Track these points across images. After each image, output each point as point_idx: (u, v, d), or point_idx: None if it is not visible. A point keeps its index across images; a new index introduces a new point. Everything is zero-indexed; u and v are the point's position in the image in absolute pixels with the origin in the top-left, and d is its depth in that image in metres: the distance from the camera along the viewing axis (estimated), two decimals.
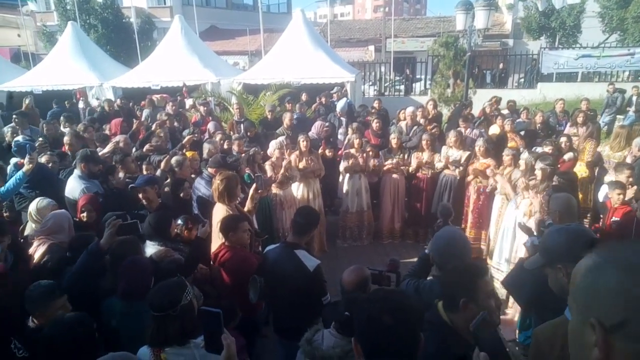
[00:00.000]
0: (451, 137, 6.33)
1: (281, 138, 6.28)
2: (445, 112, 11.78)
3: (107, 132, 7.29)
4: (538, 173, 4.67)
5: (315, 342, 2.27)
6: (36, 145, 5.78)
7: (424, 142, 6.42)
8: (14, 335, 2.37)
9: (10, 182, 4.48)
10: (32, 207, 3.97)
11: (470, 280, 1.82)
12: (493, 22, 16.15)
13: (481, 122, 8.18)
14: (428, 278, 2.69)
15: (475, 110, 9.67)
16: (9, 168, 5.45)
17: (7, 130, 7.38)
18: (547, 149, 5.91)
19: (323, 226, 6.52)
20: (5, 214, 4.36)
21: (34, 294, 2.41)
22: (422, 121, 7.69)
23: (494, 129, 7.59)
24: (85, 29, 19.56)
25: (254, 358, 3.68)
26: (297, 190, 6.18)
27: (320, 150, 6.68)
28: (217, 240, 3.84)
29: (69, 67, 13.48)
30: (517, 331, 3.99)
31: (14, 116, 8.27)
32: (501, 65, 19.39)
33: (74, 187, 4.61)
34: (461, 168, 6.11)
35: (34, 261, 3.36)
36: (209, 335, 1.69)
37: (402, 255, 6.14)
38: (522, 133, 7.58)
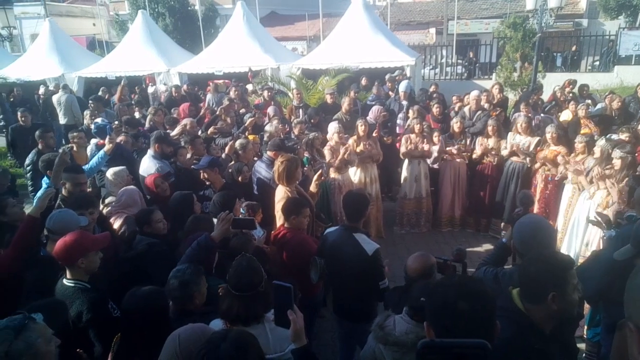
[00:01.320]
0: (520, 122, 6.04)
1: (333, 123, 6.22)
2: (512, 97, 11.21)
3: (175, 116, 7.64)
4: (616, 162, 4.37)
5: (387, 327, 2.23)
6: (113, 127, 6.23)
7: (490, 128, 6.17)
8: (110, 297, 2.58)
9: (93, 161, 4.86)
10: (110, 172, 4.43)
11: (561, 273, 1.73)
12: (566, 0, 15.02)
13: (552, 108, 7.71)
14: (506, 267, 2.60)
15: (544, 96, 9.13)
16: (90, 148, 5.90)
17: (86, 113, 7.98)
18: (624, 136, 5.48)
19: (380, 212, 6.48)
20: (88, 190, 4.75)
21: (185, 278, 2.37)
22: (486, 106, 7.38)
23: (566, 115, 7.13)
24: (154, 17, 20.42)
25: (312, 337, 3.79)
26: (355, 175, 6.17)
27: (374, 134, 6.59)
28: (277, 221, 3.97)
29: (139, 54, 14.11)
30: (585, 327, 3.81)
31: (89, 101, 8.91)
32: (574, 48, 18.08)
33: (149, 166, 4.91)
34: (532, 156, 5.82)
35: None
36: (280, 309, 1.71)
37: (462, 244, 6.00)
38: (597, 119, 7.06)
